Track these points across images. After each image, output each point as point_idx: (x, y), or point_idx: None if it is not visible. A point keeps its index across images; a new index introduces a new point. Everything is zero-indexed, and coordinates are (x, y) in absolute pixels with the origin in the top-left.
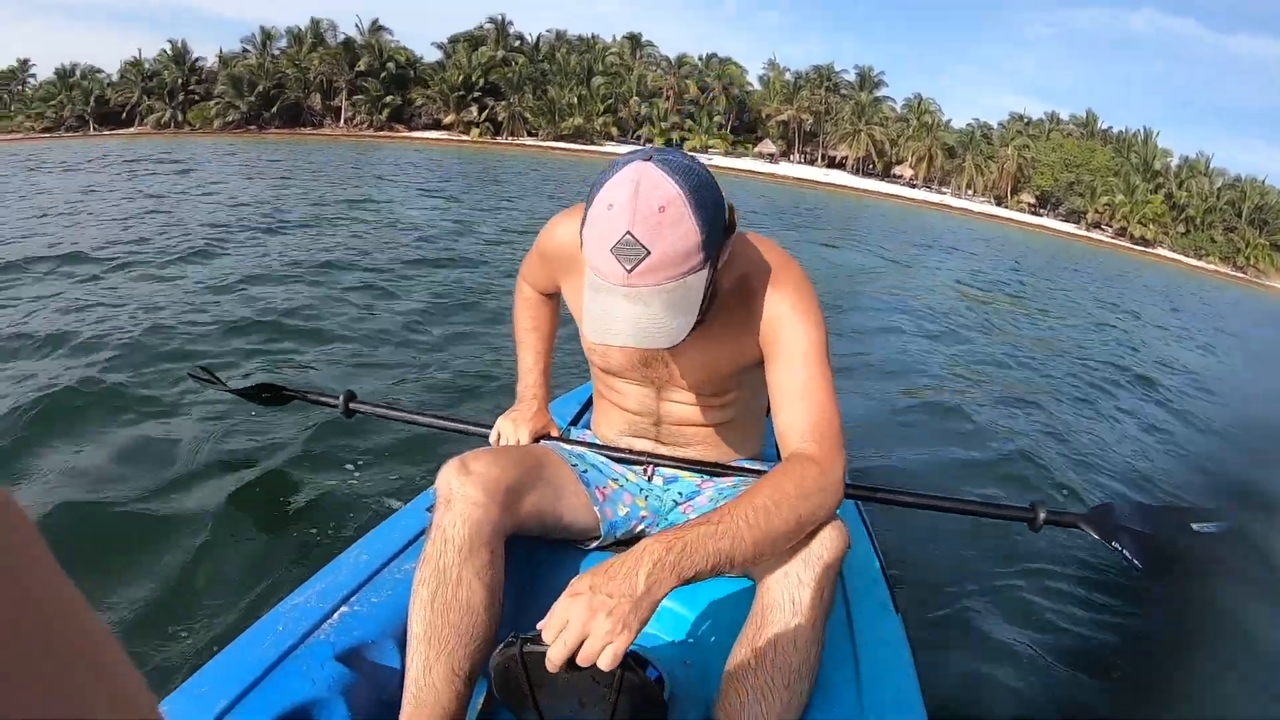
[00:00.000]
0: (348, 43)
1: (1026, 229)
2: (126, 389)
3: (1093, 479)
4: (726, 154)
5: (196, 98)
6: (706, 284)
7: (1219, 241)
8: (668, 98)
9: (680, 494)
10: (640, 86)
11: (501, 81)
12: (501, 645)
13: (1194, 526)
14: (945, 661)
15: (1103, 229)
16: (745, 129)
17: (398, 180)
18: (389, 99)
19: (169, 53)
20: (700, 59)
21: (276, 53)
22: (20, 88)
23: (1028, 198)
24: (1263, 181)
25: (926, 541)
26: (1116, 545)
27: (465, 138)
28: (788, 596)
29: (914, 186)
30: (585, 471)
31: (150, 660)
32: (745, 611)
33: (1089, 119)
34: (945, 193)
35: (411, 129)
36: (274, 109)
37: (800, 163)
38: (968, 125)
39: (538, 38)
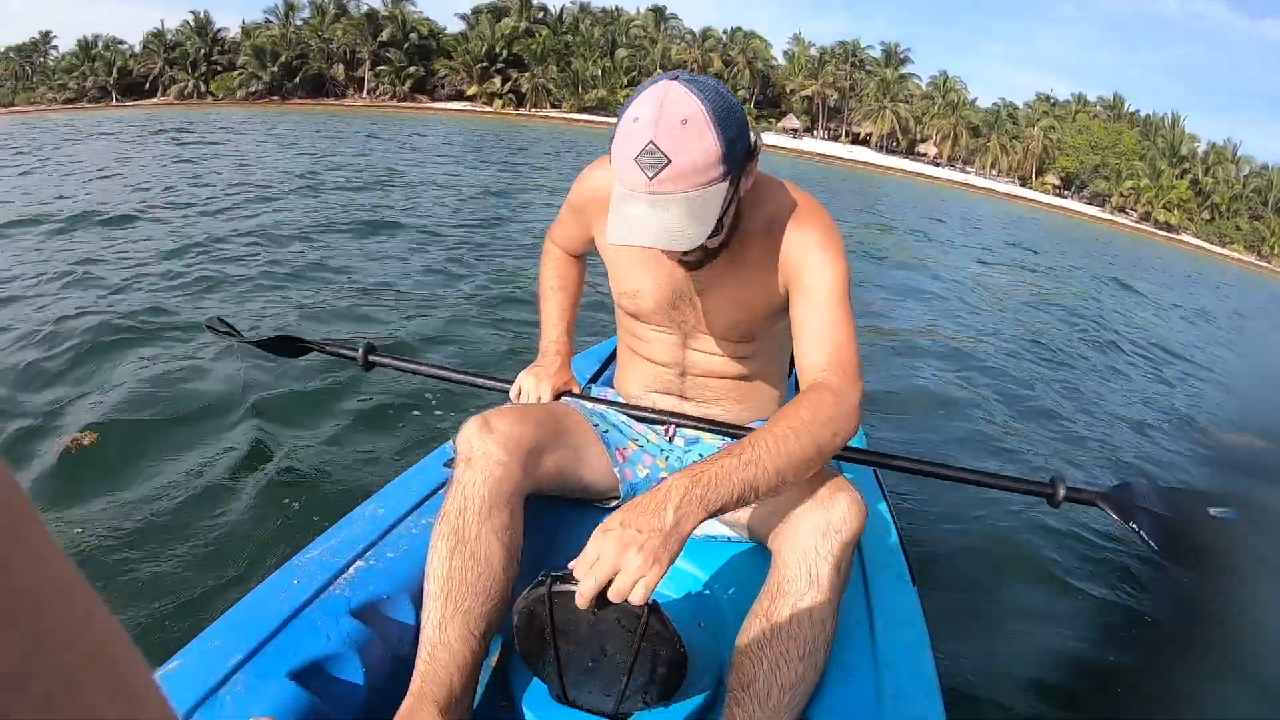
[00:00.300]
0: (371, 13)
1: (1050, 210)
2: (144, 331)
3: (1113, 456)
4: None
5: (219, 68)
6: (726, 199)
7: (1244, 229)
8: (692, 71)
9: (701, 455)
10: (664, 59)
11: (525, 53)
12: (529, 586)
13: (1212, 511)
14: (961, 635)
15: (1127, 213)
16: (769, 104)
17: (420, 149)
18: (412, 70)
19: (191, 24)
20: (725, 32)
21: (299, 23)
22: (42, 59)
23: (1052, 179)
24: None
25: (944, 513)
26: (1134, 525)
27: (489, 109)
28: (805, 569)
29: (938, 165)
30: (606, 432)
31: (163, 615)
32: (759, 574)
33: (1116, 101)
34: (970, 172)
35: (435, 100)
36: (297, 79)
37: (824, 139)
38: (993, 104)
39: (561, 9)
